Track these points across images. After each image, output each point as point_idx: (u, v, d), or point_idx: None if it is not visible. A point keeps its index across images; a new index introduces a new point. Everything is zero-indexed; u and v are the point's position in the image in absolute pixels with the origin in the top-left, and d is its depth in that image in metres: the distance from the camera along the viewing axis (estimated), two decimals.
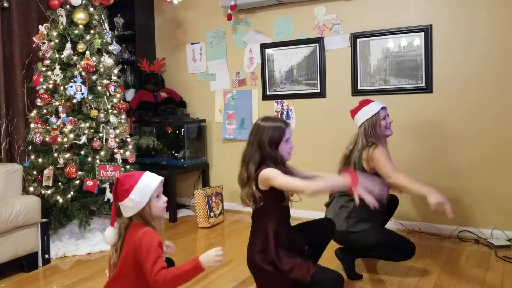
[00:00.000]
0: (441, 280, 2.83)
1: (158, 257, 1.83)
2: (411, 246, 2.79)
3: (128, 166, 3.81)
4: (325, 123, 4.23)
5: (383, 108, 2.89)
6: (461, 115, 3.66)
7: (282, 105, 4.46)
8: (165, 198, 1.99)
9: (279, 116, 4.43)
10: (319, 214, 3.05)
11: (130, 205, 1.90)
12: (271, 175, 2.17)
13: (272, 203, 2.26)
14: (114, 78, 3.88)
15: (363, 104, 2.95)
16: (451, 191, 3.71)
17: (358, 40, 4.00)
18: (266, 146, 2.23)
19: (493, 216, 3.58)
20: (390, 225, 3.66)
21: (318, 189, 2.13)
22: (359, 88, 4.02)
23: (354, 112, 2.99)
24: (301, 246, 2.35)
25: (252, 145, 2.28)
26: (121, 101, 3.91)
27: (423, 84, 3.77)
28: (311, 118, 4.31)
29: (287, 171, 2.26)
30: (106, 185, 3.66)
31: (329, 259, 2.89)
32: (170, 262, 2.22)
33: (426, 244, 3.52)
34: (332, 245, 2.73)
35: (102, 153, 3.65)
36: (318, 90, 4.25)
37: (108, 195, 3.64)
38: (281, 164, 2.24)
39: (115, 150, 3.73)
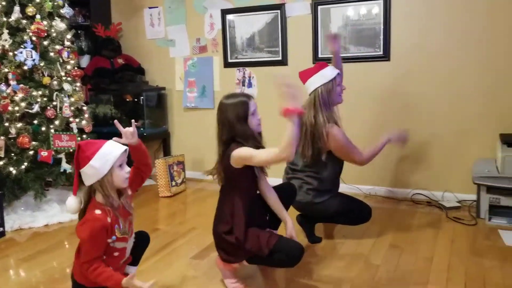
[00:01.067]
0: (396, 241, 2.96)
1: (87, 251, 1.87)
2: (368, 211, 2.91)
3: (84, 136, 3.71)
4: None
5: (339, 74, 2.82)
6: (417, 83, 3.75)
7: (244, 73, 4.42)
8: (128, 169, 1.95)
9: (241, 84, 4.41)
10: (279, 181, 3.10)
11: (91, 172, 1.85)
12: (246, 155, 2.16)
13: (242, 178, 2.28)
14: (67, 43, 3.73)
15: (319, 67, 2.81)
16: (406, 156, 3.85)
17: (319, 7, 3.99)
18: (234, 123, 2.21)
19: (444, 180, 3.75)
20: (348, 190, 3.78)
21: (288, 144, 2.01)
22: (320, 55, 4.04)
23: (308, 75, 2.82)
24: (263, 216, 2.40)
25: (221, 124, 2.27)
26: (76, 68, 3.77)
27: (381, 53, 3.82)
28: (273, 85, 4.29)
29: (259, 145, 2.26)
30: (62, 156, 3.56)
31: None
32: (143, 236, 2.21)
33: (382, 207, 3.66)
34: (294, 211, 2.80)
35: (57, 122, 3.54)
36: (280, 58, 4.24)
37: (64, 166, 3.56)
38: (253, 139, 2.23)
39: (71, 119, 3.63)
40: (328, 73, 2.77)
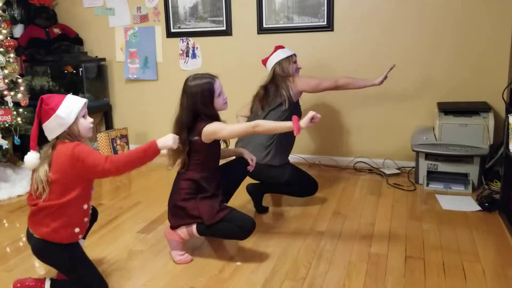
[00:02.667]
0: (339, 208, 3.06)
1: (95, 157, 1.86)
2: (315, 184, 3.01)
3: (21, 110, 3.52)
4: (231, 61, 4.19)
5: (295, 54, 3.09)
6: (358, 53, 3.82)
7: (188, 43, 4.32)
8: (91, 119, 1.99)
9: (185, 55, 4.31)
10: None
11: (57, 123, 1.87)
12: (216, 129, 2.23)
13: (210, 153, 2.33)
14: None
15: (277, 48, 3.10)
16: (348, 126, 3.95)
17: None
18: (200, 106, 2.26)
19: (385, 148, 3.89)
20: (292, 159, 3.84)
21: (268, 127, 2.23)
22: (264, 26, 4.00)
23: (267, 58, 3.11)
24: (217, 188, 2.40)
25: (187, 109, 2.27)
26: (8, 38, 3.54)
27: (324, 22, 3.85)
28: (217, 56, 4.25)
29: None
30: None
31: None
32: (92, 210, 2.14)
33: (325, 175, 3.75)
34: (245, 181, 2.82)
35: None
36: (224, 28, 4.16)
37: (0, 141, 3.37)
38: (216, 120, 2.29)
39: (5, 92, 3.43)
40: (286, 50, 3.08)
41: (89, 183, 1.95)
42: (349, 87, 3.14)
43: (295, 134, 2.16)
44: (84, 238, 2.16)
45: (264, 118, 2.88)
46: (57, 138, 1.91)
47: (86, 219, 1.99)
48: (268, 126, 2.24)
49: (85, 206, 1.95)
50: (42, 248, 1.92)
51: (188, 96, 2.28)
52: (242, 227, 2.25)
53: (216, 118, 2.31)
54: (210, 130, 2.24)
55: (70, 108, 1.88)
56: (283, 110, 2.92)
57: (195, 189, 2.30)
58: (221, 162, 2.53)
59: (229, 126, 2.26)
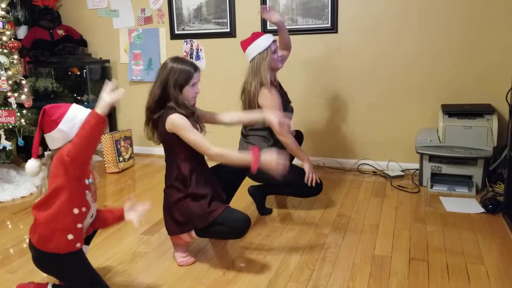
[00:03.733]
0: (343, 210, 3.06)
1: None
2: (319, 185, 2.94)
3: (24, 111, 3.53)
4: (235, 63, 4.19)
5: (274, 41, 2.85)
6: (362, 55, 3.82)
7: (192, 45, 4.33)
8: None
9: (189, 57, 4.32)
10: None
11: (59, 136, 1.83)
12: (181, 127, 2.16)
13: (181, 144, 2.23)
14: (2, 13, 3.50)
15: (254, 37, 2.87)
16: (352, 128, 3.95)
17: None
18: (170, 86, 2.20)
19: (389, 150, 3.89)
20: (296, 161, 3.83)
21: (222, 156, 2.17)
22: (268, 27, 4.01)
23: (245, 45, 2.89)
24: (216, 188, 2.37)
25: (157, 83, 2.24)
26: (12, 39, 3.55)
27: (329, 24, 3.85)
28: (221, 58, 4.25)
29: (194, 114, 2.27)
30: (1, 132, 3.38)
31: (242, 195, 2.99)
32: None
33: (330, 177, 3.75)
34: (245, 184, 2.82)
35: None
36: (228, 30, 4.17)
37: (4, 143, 3.39)
38: (185, 107, 2.21)
39: (9, 94, 3.44)
40: (262, 42, 2.82)
41: (77, 184, 1.85)
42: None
43: (252, 173, 2.12)
44: (88, 244, 2.12)
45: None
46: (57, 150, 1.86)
47: (80, 225, 1.88)
48: (222, 154, 2.15)
49: (76, 211, 1.85)
50: (39, 258, 1.88)
51: (164, 72, 2.22)
52: (234, 228, 2.20)
53: (184, 107, 2.21)
54: (175, 123, 2.16)
55: (73, 122, 1.83)
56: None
57: (183, 186, 2.24)
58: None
59: (193, 135, 2.16)
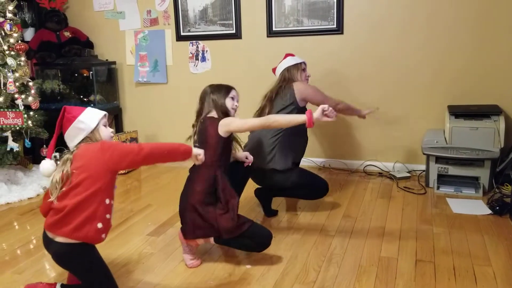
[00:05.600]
0: (349, 211, 3.05)
1: (122, 147, 1.89)
2: (324, 186, 2.95)
3: (31, 113, 3.55)
4: (241, 64, 4.21)
5: (304, 62, 3.09)
6: (368, 56, 3.81)
7: (197, 47, 4.34)
8: (112, 130, 2.03)
9: (194, 59, 4.34)
10: None
11: (78, 128, 1.91)
12: (228, 120, 2.32)
13: (225, 147, 2.34)
14: (9, 15, 3.50)
15: (287, 55, 3.12)
16: (358, 129, 3.94)
17: None
18: (216, 97, 2.40)
19: (395, 151, 3.88)
20: (302, 163, 3.83)
21: (282, 120, 2.34)
22: (274, 29, 4.01)
23: (277, 66, 3.12)
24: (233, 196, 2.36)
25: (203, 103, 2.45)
26: (19, 42, 3.57)
27: (334, 26, 3.84)
28: (227, 60, 4.26)
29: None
30: (8, 134, 3.40)
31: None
32: None
33: (335, 178, 3.74)
34: (251, 186, 2.83)
35: (1, 98, 3.36)
36: (234, 31, 4.18)
37: (11, 144, 3.40)
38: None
39: (16, 96, 3.45)
40: (296, 58, 3.09)
41: (112, 177, 1.91)
42: (343, 113, 3.16)
43: (307, 127, 2.23)
44: None
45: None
46: (78, 144, 1.91)
47: (108, 216, 1.91)
48: (282, 119, 2.34)
49: (107, 201, 1.89)
50: (63, 252, 1.86)
51: (206, 93, 2.43)
52: (261, 244, 2.32)
53: (228, 115, 2.38)
54: (226, 121, 2.31)
55: (92, 115, 1.94)
56: (289, 112, 2.91)
57: (211, 190, 2.27)
58: None
59: (242, 119, 2.34)
